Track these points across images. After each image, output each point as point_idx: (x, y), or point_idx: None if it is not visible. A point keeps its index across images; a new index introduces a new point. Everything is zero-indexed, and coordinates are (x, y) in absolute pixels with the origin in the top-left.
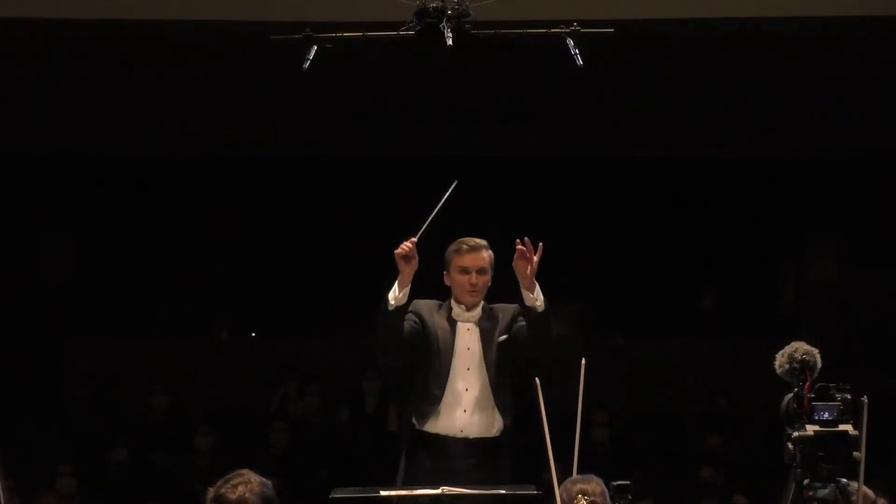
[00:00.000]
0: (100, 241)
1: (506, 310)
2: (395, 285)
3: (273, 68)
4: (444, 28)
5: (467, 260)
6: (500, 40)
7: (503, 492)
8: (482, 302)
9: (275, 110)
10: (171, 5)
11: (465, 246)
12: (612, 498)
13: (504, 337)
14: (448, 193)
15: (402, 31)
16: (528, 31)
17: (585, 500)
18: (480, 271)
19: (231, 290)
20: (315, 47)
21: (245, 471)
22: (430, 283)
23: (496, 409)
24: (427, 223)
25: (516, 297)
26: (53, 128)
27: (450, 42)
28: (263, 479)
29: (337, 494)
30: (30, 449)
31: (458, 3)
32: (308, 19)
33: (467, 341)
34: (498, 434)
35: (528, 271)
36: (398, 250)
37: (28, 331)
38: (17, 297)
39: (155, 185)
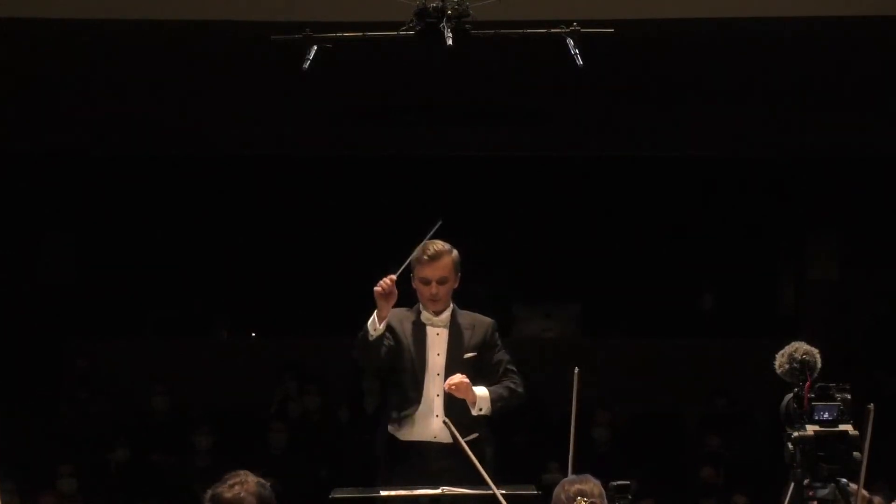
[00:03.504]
0: (100, 241)
1: (479, 324)
2: (375, 316)
3: (273, 68)
4: (444, 28)
5: (427, 271)
6: (500, 40)
7: (503, 492)
8: (451, 305)
9: (275, 110)
10: (171, 5)
11: (424, 256)
12: (611, 498)
13: (472, 355)
14: (432, 232)
15: (402, 31)
16: (528, 31)
17: (584, 500)
18: (440, 281)
19: (231, 290)
20: (315, 47)
21: (243, 472)
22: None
23: (468, 415)
24: (408, 262)
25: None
26: (53, 128)
27: (450, 42)
28: (260, 480)
29: (337, 494)
30: (30, 449)
31: (458, 3)
32: (308, 19)
33: (437, 347)
34: (474, 439)
35: (466, 396)
36: (377, 288)
37: (28, 331)
38: (16, 297)
39: (155, 185)
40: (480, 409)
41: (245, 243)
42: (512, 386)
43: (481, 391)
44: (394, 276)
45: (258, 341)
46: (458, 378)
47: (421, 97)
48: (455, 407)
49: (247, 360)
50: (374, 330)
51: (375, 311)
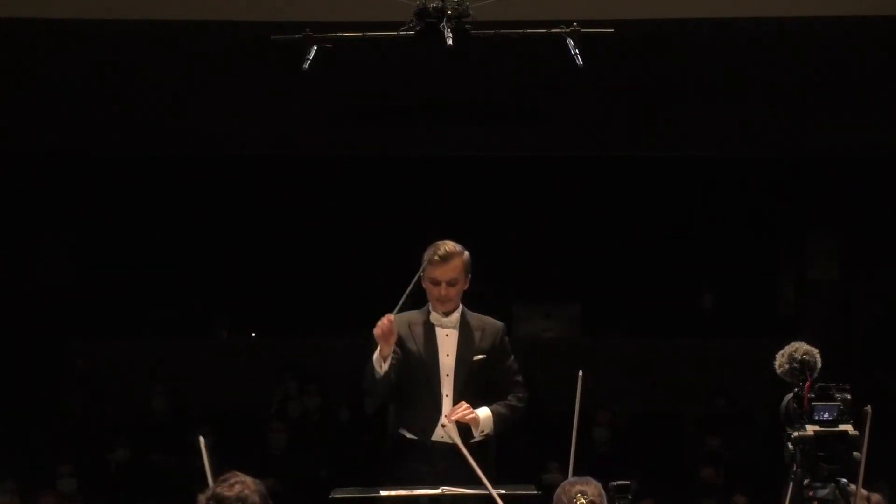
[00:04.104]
0: (100, 241)
1: (488, 326)
2: (378, 355)
3: (273, 68)
4: (444, 28)
5: (438, 272)
6: (500, 40)
7: (503, 492)
8: (460, 307)
9: (275, 110)
10: (171, 5)
11: (436, 257)
12: (611, 498)
13: (481, 357)
14: (419, 273)
15: (402, 31)
16: (528, 31)
17: (584, 499)
18: (450, 282)
19: (231, 290)
20: (315, 47)
21: (237, 472)
22: None
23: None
24: (403, 299)
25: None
26: (53, 128)
27: (450, 42)
28: (255, 479)
29: (337, 494)
30: (30, 449)
31: (458, 3)
32: (308, 19)
33: (446, 348)
34: (483, 437)
35: (471, 423)
36: (377, 330)
37: (28, 331)
38: (16, 297)
39: (155, 185)
40: (482, 431)
41: (245, 243)
42: (514, 403)
43: (484, 413)
44: (392, 316)
45: (258, 341)
46: (460, 412)
47: (421, 97)
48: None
49: (247, 360)
50: (381, 368)
51: (378, 350)
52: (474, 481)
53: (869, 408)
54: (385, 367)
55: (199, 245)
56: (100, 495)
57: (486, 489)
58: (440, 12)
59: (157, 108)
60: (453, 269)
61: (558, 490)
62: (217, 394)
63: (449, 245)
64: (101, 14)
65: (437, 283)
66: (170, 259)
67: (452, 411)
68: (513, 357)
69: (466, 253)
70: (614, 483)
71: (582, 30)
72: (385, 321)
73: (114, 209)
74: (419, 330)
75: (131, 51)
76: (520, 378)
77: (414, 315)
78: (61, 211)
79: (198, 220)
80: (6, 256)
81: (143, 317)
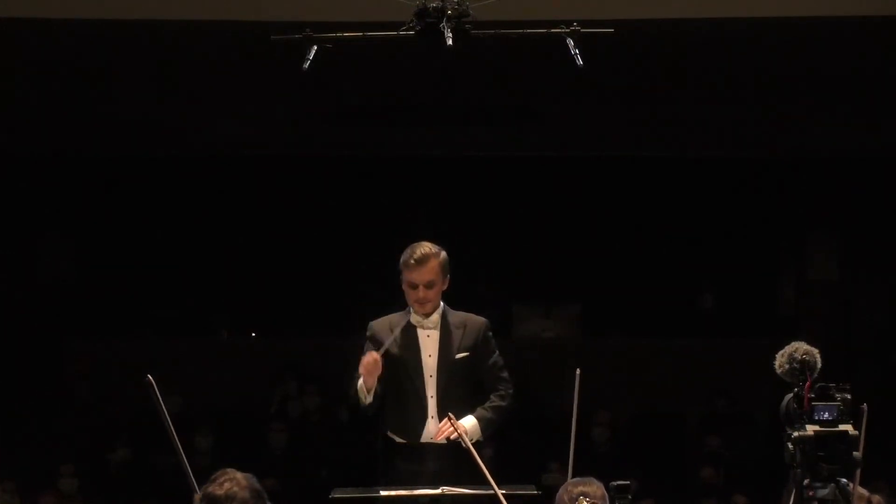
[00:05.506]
0: (100, 241)
1: (471, 323)
2: (362, 385)
3: (273, 68)
4: (444, 28)
5: (414, 275)
6: (500, 40)
7: (503, 491)
8: (441, 306)
9: (275, 110)
10: (171, 5)
11: (411, 261)
12: (611, 498)
13: (464, 355)
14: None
15: (402, 31)
16: (528, 31)
17: (587, 501)
18: (427, 285)
19: (231, 290)
20: (315, 47)
21: (229, 469)
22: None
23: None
24: (390, 341)
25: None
26: (53, 128)
27: (450, 42)
28: (247, 474)
29: (337, 494)
30: (30, 449)
31: (458, 3)
32: (308, 19)
33: (428, 349)
34: (472, 442)
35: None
36: (361, 368)
37: (28, 331)
38: (16, 297)
39: (154, 185)
40: (472, 440)
41: (245, 243)
42: (499, 403)
43: (470, 423)
44: (377, 355)
45: (258, 341)
46: (445, 431)
47: (421, 97)
48: (449, 409)
49: (247, 360)
50: (365, 399)
51: (361, 380)
52: (465, 482)
53: (865, 406)
54: (369, 398)
55: (199, 245)
56: (100, 495)
57: (485, 487)
58: (440, 12)
59: (158, 108)
60: (430, 272)
61: (560, 491)
62: (217, 394)
63: (425, 247)
64: (102, 14)
65: (414, 286)
66: (170, 259)
67: (439, 431)
68: (497, 353)
69: (443, 253)
70: (614, 483)
71: (582, 30)
72: (370, 359)
73: (114, 209)
74: (401, 333)
75: (132, 51)
76: (505, 374)
77: (395, 318)
78: (61, 211)
79: (198, 220)
80: (6, 256)
81: (143, 317)
